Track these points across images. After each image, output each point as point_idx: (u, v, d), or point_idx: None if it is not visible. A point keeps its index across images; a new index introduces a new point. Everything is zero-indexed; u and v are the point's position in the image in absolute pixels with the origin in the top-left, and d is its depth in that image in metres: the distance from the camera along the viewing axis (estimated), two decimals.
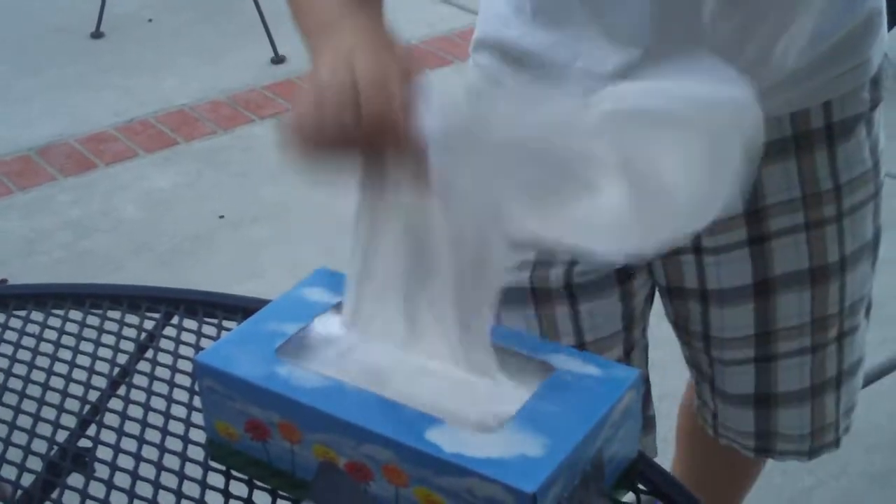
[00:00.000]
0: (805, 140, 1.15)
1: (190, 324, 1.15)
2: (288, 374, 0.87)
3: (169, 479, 0.96)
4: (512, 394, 0.84)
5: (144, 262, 2.92)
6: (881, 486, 2.12)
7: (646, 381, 1.34)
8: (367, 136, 0.81)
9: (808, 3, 1.08)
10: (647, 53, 1.07)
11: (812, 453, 1.36)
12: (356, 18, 0.90)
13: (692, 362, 1.36)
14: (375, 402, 0.84)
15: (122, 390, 1.09)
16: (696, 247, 1.20)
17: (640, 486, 0.92)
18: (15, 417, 1.05)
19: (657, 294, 1.31)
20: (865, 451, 2.17)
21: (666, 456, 1.62)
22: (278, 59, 3.93)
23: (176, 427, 1.02)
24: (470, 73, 1.25)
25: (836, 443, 1.36)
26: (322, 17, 0.93)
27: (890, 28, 1.22)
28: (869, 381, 2.16)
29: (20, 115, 3.68)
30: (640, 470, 0.91)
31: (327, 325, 0.93)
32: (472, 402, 0.84)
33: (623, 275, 1.23)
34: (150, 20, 4.33)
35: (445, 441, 0.79)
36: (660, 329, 1.37)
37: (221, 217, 3.09)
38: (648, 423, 1.36)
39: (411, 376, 0.86)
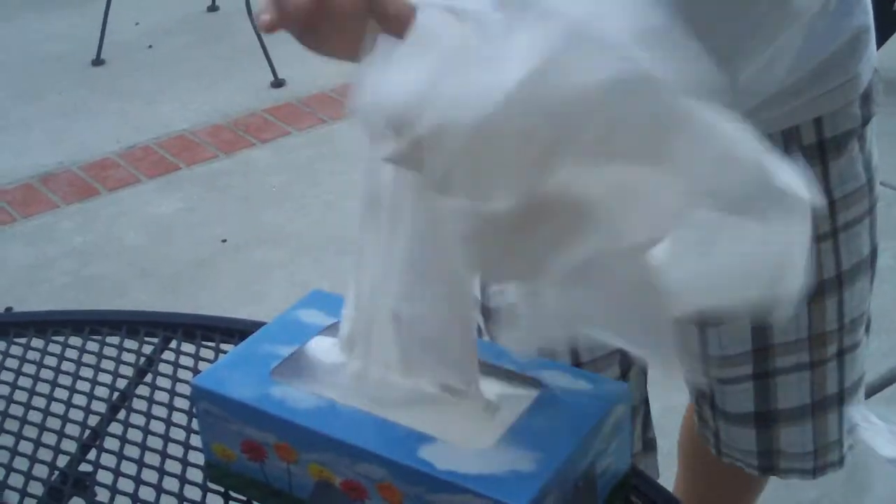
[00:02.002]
0: (797, 156, 1.16)
1: (188, 348, 1.16)
2: (283, 395, 0.88)
3: (169, 502, 0.97)
4: (503, 410, 0.85)
5: (148, 287, 2.93)
6: None
7: (645, 403, 1.34)
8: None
9: (794, 21, 1.09)
10: None
11: (816, 471, 1.35)
12: None
13: (692, 383, 1.37)
14: (369, 422, 0.85)
15: (121, 415, 1.10)
16: None
17: (634, 500, 0.92)
18: (17, 443, 1.06)
19: None
20: None
21: (672, 471, 1.63)
22: (278, 83, 3.95)
23: (175, 450, 1.03)
24: None
25: (841, 462, 1.36)
26: None
27: (879, 45, 1.23)
28: (872, 391, 2.17)
29: (22, 143, 3.70)
30: (634, 483, 0.92)
31: (322, 347, 0.94)
32: (463, 418, 0.85)
33: None
34: (149, 46, 4.35)
35: (438, 458, 0.80)
36: None
37: (224, 241, 3.10)
38: (649, 445, 1.36)
39: (404, 394, 0.87)
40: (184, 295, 2.88)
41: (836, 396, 1.29)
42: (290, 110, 3.81)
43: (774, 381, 1.27)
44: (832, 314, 1.24)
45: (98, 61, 4.22)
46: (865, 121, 1.20)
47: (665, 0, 1.04)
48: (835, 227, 1.19)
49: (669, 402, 1.62)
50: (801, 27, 1.09)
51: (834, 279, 1.22)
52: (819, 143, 1.16)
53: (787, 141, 1.15)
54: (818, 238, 1.19)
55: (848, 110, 1.17)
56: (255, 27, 3.89)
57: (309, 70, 3.89)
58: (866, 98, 1.19)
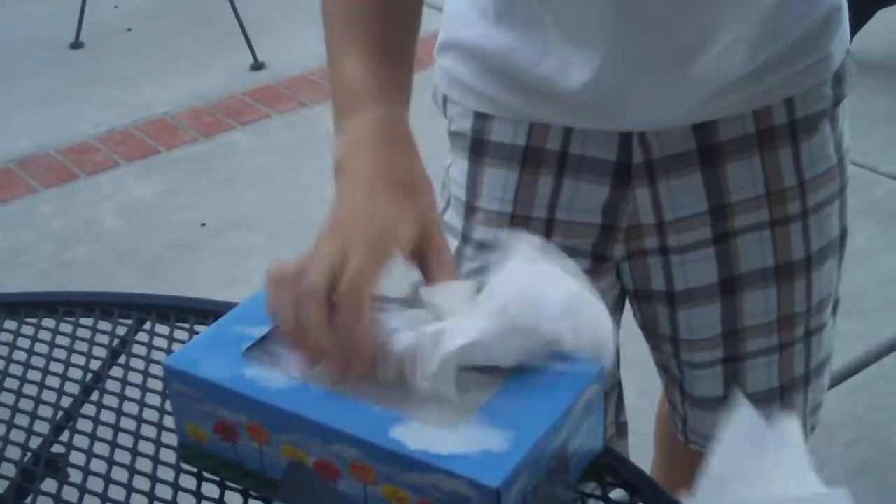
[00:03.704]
0: (768, 137, 1.16)
1: (162, 329, 1.16)
2: (254, 375, 0.88)
3: (141, 483, 0.96)
4: (476, 390, 0.85)
5: (128, 271, 2.92)
6: (861, 480, 2.14)
7: (618, 387, 1.34)
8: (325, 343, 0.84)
9: (757, 5, 1.09)
10: (608, 57, 1.08)
11: None
12: (377, 110, 0.95)
13: (662, 367, 1.36)
14: (341, 402, 0.84)
15: (94, 396, 1.09)
16: (663, 247, 1.21)
17: (608, 479, 0.92)
18: None
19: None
20: (845, 444, 2.18)
21: (648, 454, 1.63)
22: (258, 66, 3.94)
23: (148, 431, 1.02)
24: (435, 78, 1.25)
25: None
26: (346, 94, 0.99)
27: (854, 32, 1.23)
28: (848, 374, 2.18)
29: (0, 127, 3.69)
30: (608, 463, 0.92)
31: None
32: (436, 398, 0.85)
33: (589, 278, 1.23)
34: (129, 29, 4.33)
35: (410, 438, 0.80)
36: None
37: (203, 225, 3.09)
38: (621, 429, 1.36)
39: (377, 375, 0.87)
40: (163, 279, 2.88)
41: (802, 378, 1.29)
42: (269, 93, 3.80)
43: (744, 364, 1.27)
44: (801, 296, 1.23)
45: (77, 44, 4.20)
46: (837, 101, 1.20)
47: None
48: (805, 208, 1.19)
49: (646, 386, 1.62)
50: (771, 7, 1.09)
51: (803, 261, 1.21)
52: (790, 124, 1.16)
53: (758, 121, 1.15)
54: (788, 219, 1.19)
55: (819, 91, 1.17)
56: (234, 10, 3.88)
57: (289, 53, 3.88)
58: (838, 79, 1.19)
